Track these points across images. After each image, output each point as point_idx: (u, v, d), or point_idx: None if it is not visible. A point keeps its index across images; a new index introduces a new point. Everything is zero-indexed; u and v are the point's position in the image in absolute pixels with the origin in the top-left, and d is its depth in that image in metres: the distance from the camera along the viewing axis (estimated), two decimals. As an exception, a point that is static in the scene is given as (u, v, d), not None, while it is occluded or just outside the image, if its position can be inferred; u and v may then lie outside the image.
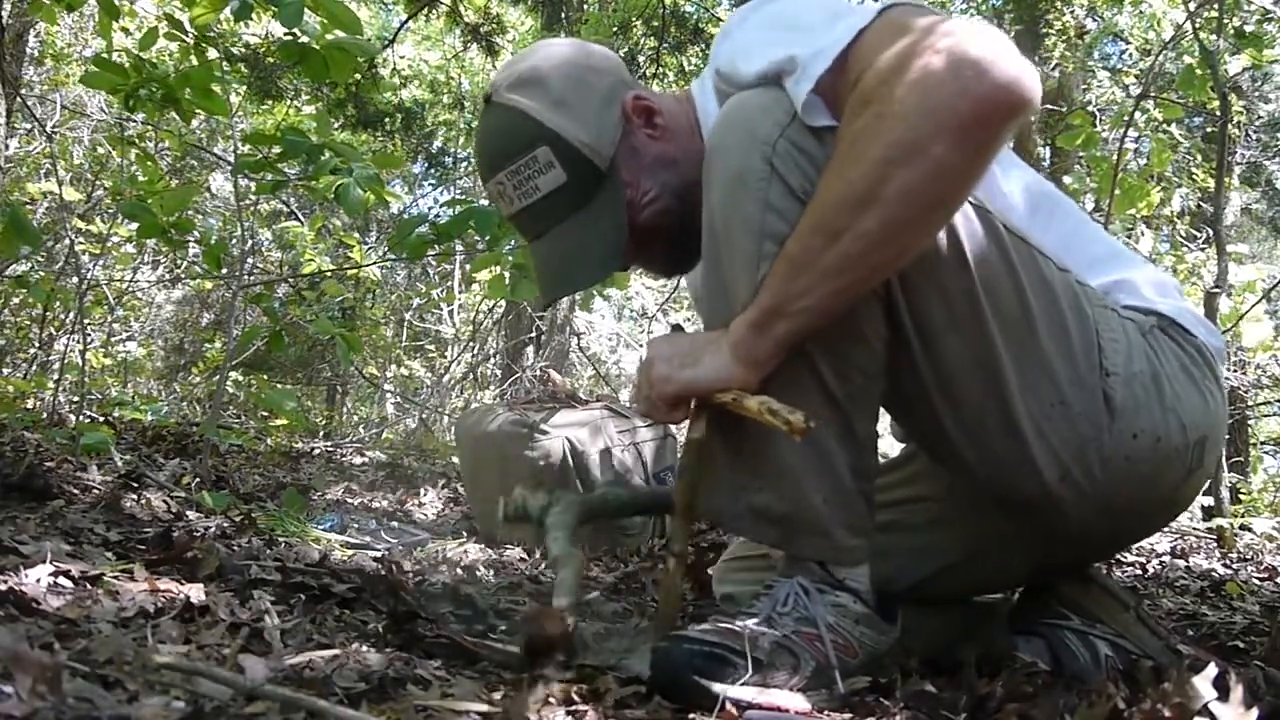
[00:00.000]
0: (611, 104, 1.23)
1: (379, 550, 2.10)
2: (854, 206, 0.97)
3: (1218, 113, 3.99)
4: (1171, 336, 1.21)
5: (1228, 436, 4.72)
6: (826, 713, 0.99)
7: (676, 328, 1.25)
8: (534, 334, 7.11)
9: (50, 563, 1.16)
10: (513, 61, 1.28)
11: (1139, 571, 2.75)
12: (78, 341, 4.40)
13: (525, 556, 2.31)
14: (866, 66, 0.98)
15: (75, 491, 1.98)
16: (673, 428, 2.78)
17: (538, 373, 5.82)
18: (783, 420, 1.00)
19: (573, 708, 0.89)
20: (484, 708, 0.86)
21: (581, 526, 1.32)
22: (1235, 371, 5.42)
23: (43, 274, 5.20)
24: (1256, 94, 7.69)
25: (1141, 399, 1.15)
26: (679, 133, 1.26)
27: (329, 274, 5.73)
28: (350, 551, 1.99)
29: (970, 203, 1.08)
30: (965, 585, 1.43)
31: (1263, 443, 7.80)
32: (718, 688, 0.96)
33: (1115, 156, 3.90)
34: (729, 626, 1.04)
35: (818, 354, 1.07)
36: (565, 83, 1.22)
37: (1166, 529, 3.65)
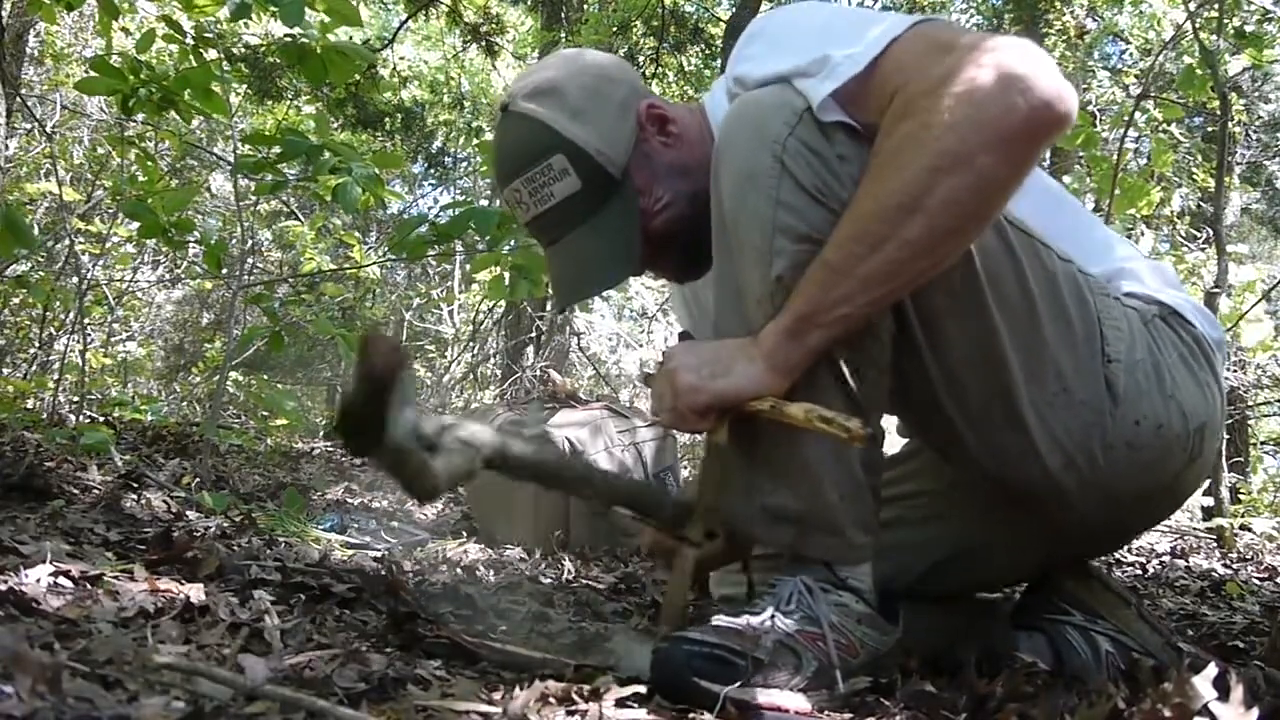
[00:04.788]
0: (626, 113, 1.25)
1: (379, 550, 2.09)
2: (897, 214, 0.98)
3: (1218, 113, 3.99)
4: (1172, 326, 1.23)
5: (1227, 436, 4.73)
6: (827, 713, 0.99)
7: (685, 335, 1.25)
8: (534, 334, 7.11)
9: (50, 563, 1.16)
10: (530, 71, 1.31)
11: (1139, 571, 2.75)
12: (78, 341, 4.40)
13: (525, 556, 2.31)
14: (905, 78, 1.00)
15: (75, 491, 1.97)
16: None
17: (538, 373, 5.82)
18: (840, 428, 0.99)
19: (573, 708, 0.89)
20: (484, 708, 0.86)
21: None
22: (1235, 371, 5.42)
23: (43, 274, 5.21)
24: (1256, 94, 7.69)
25: (1143, 386, 1.16)
26: (692, 141, 1.27)
27: (329, 274, 5.73)
28: (350, 551, 1.98)
29: None
30: (968, 581, 1.43)
31: (1263, 443, 7.80)
32: (719, 689, 0.96)
33: (1115, 156, 3.90)
34: (730, 626, 1.04)
35: (836, 350, 1.08)
36: (581, 92, 1.24)
37: (1166, 529, 3.65)
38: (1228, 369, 5.20)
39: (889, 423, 1.35)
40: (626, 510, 1.16)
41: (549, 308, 7.00)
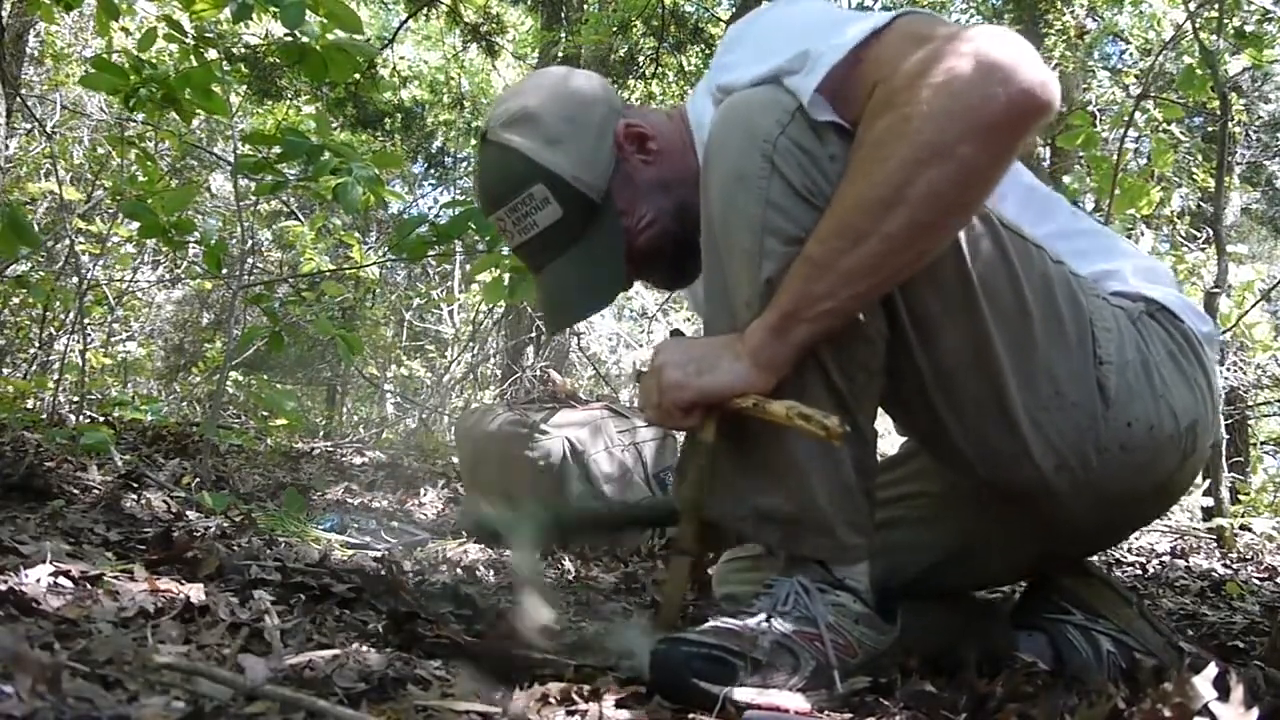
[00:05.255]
0: (604, 135, 1.25)
1: (379, 550, 2.09)
2: (879, 208, 0.98)
3: (1218, 113, 3.99)
4: (1159, 322, 1.23)
5: (1227, 437, 4.73)
6: (826, 713, 0.99)
7: (676, 332, 1.25)
8: (534, 334, 7.10)
9: (50, 563, 1.16)
10: (506, 97, 1.31)
11: (1139, 571, 2.75)
12: (78, 341, 4.40)
13: (525, 556, 2.30)
14: (886, 70, 0.99)
15: (75, 491, 1.97)
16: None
17: (538, 373, 5.82)
18: (818, 425, 1.00)
19: (573, 707, 0.89)
20: (484, 708, 0.86)
21: (549, 542, 1.30)
22: (1235, 371, 5.42)
23: (43, 274, 5.20)
24: (1256, 94, 7.69)
25: (1134, 387, 1.16)
26: (672, 154, 1.27)
27: (329, 274, 5.73)
28: (350, 551, 1.99)
29: None
30: (965, 580, 1.43)
31: (1263, 443, 7.80)
32: (717, 690, 0.96)
33: (1115, 156, 3.90)
34: (728, 627, 1.04)
35: (824, 352, 1.07)
36: (558, 119, 1.24)
37: (1166, 529, 3.65)
38: (1226, 369, 5.20)
39: (888, 423, 1.36)
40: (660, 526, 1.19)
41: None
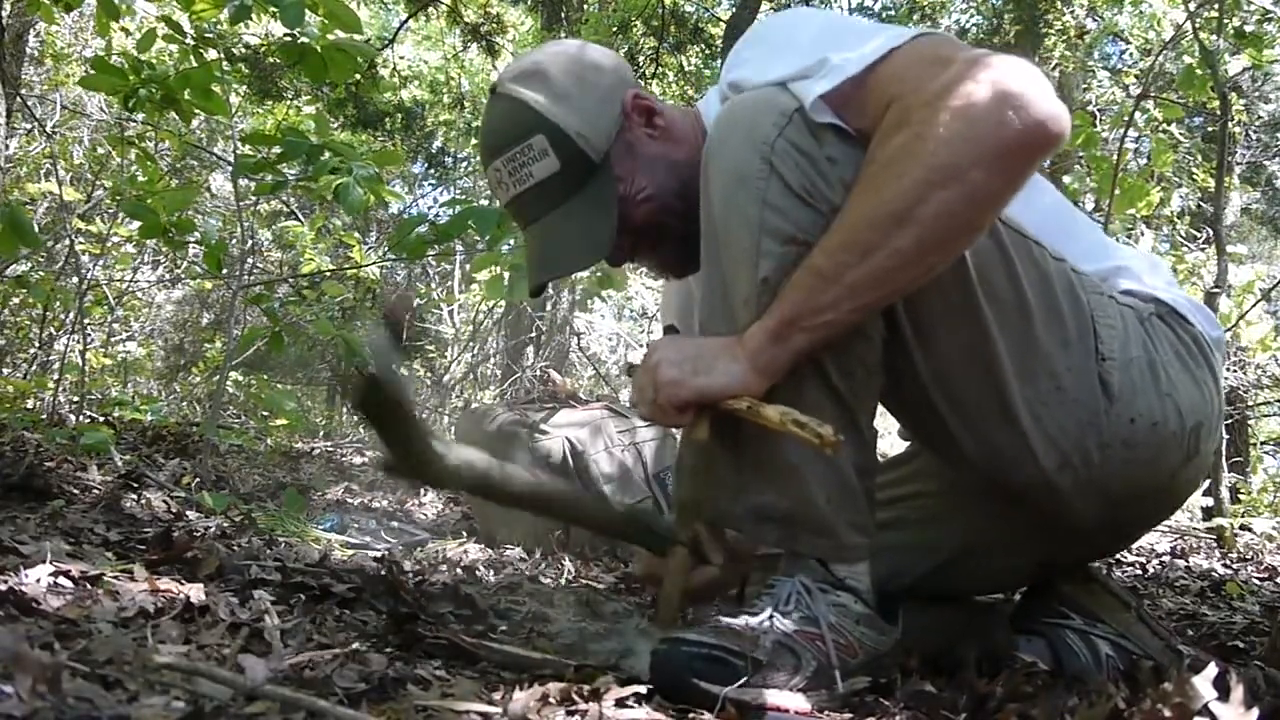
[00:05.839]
0: (611, 100, 1.26)
1: (379, 550, 2.10)
2: (889, 224, 0.99)
3: (1218, 113, 3.99)
4: (1169, 324, 1.23)
5: (1227, 437, 4.73)
6: (827, 713, 0.99)
7: (671, 329, 1.25)
8: (534, 334, 7.11)
9: (50, 563, 1.16)
10: (523, 56, 1.32)
11: (1139, 571, 2.76)
12: (78, 341, 4.40)
13: (525, 556, 2.31)
14: (903, 88, 1.01)
15: (75, 491, 1.97)
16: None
17: (538, 373, 5.82)
18: (812, 433, 1.00)
19: (573, 707, 0.89)
20: (484, 708, 0.86)
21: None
22: (1235, 371, 5.42)
23: (43, 274, 5.20)
24: (1256, 94, 7.69)
25: (1138, 384, 1.16)
26: (681, 137, 1.28)
27: (329, 274, 5.73)
28: (350, 551, 1.99)
29: None
30: (966, 583, 1.43)
31: (1263, 443, 7.80)
32: (718, 689, 0.96)
33: (1115, 156, 3.90)
34: (729, 626, 1.04)
35: (822, 353, 1.08)
36: (566, 77, 1.25)
37: (1166, 529, 3.65)
38: (1227, 369, 5.20)
39: (890, 423, 1.36)
40: (617, 539, 1.19)
41: (549, 307, 7.00)
